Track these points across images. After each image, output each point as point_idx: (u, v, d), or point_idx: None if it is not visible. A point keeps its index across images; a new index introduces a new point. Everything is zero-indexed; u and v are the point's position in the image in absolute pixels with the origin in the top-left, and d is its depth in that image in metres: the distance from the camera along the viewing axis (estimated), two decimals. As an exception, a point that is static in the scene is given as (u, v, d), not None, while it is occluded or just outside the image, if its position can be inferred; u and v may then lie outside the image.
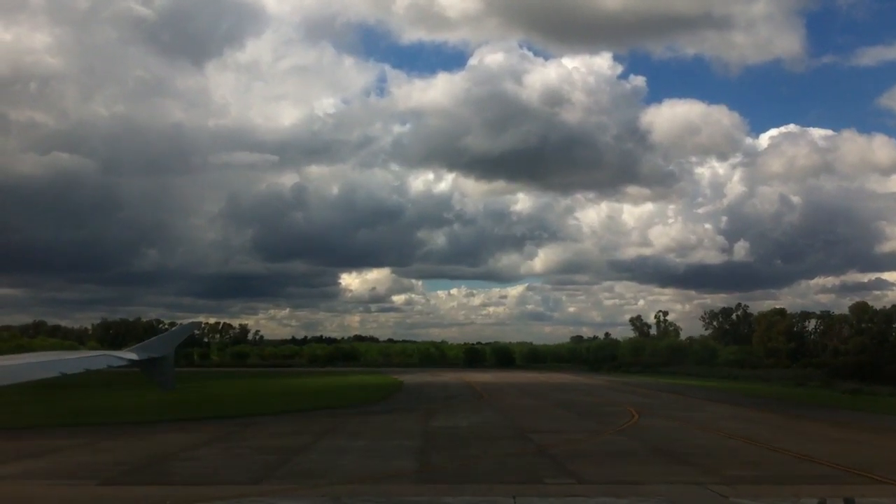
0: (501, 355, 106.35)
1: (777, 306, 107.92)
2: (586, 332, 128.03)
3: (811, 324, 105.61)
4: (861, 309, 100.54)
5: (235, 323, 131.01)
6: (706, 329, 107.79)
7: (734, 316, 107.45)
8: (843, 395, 42.98)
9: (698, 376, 72.91)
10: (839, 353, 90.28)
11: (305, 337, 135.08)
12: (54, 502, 12.78)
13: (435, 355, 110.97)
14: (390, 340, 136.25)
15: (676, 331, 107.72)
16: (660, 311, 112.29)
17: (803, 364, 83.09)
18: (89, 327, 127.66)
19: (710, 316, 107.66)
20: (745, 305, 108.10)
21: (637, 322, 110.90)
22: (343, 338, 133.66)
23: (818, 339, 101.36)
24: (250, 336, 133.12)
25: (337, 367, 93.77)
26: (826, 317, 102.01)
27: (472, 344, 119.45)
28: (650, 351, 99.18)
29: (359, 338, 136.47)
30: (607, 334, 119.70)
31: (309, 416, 27.78)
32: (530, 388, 47.56)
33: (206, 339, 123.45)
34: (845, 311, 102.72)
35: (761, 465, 16.41)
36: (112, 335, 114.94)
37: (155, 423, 24.52)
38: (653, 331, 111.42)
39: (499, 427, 24.07)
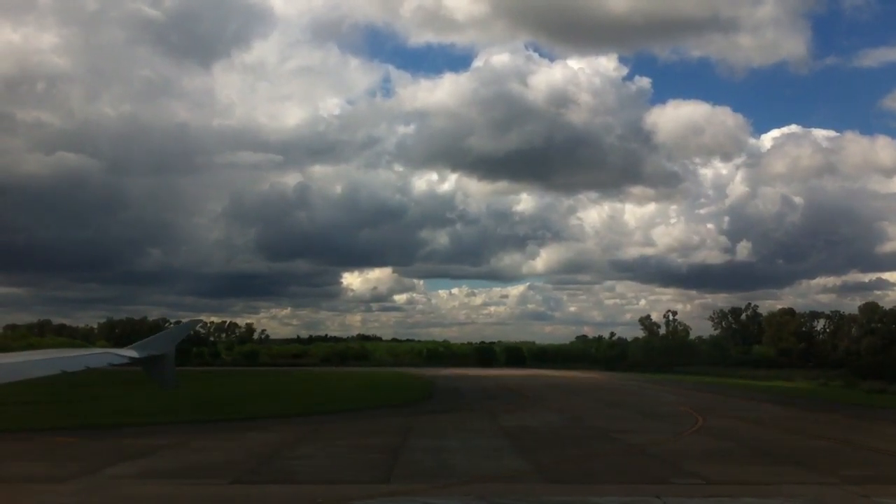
0: (512, 354, 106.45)
1: (778, 306, 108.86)
2: (587, 332, 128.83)
3: (819, 324, 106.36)
4: (870, 309, 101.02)
5: (238, 322, 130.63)
6: (715, 329, 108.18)
7: (743, 316, 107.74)
8: (869, 394, 43.23)
9: (716, 375, 73.27)
10: (850, 353, 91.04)
11: (310, 336, 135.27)
12: (206, 501, 12.73)
13: (444, 354, 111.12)
14: (395, 340, 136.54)
15: (686, 330, 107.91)
16: (668, 310, 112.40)
17: (818, 364, 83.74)
18: (94, 326, 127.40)
19: (720, 316, 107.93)
20: (754, 305, 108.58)
21: (646, 321, 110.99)
22: (350, 336, 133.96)
23: (828, 339, 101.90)
24: (256, 335, 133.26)
25: (349, 365, 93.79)
26: (836, 317, 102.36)
27: (483, 343, 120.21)
28: (660, 350, 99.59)
29: (364, 337, 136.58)
30: (612, 334, 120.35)
31: (370, 414, 27.66)
32: (565, 387, 47.60)
33: (212, 339, 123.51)
34: (846, 310, 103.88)
35: (873, 465, 16.47)
36: (118, 334, 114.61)
37: (224, 422, 24.49)
38: (661, 330, 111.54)
39: (573, 427, 24.11)
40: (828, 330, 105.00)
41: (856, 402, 37.02)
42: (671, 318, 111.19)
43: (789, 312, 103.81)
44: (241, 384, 47.83)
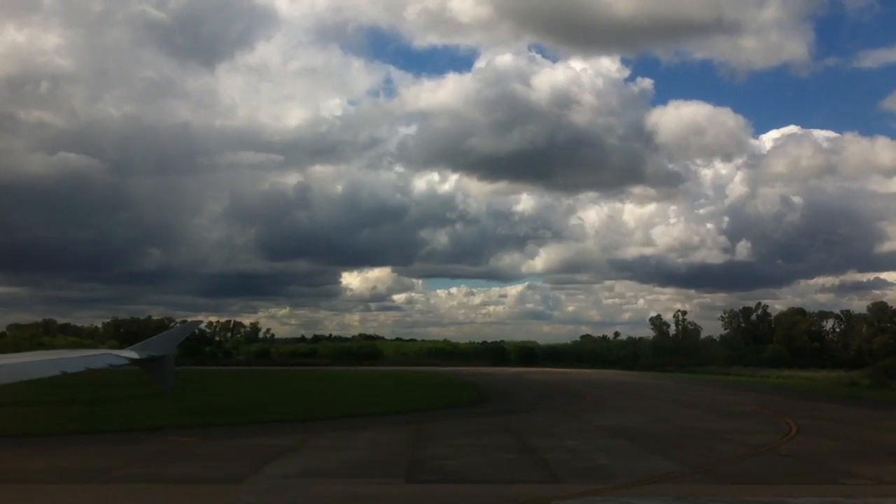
0: (525, 353, 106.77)
1: (776, 305, 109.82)
2: (585, 331, 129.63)
3: (828, 323, 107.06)
4: (880, 308, 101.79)
5: (237, 321, 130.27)
6: (725, 328, 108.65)
7: (754, 316, 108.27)
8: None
9: (737, 374, 73.67)
10: (863, 352, 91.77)
11: (315, 336, 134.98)
12: (403, 500, 12.62)
13: (453, 353, 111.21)
14: (399, 339, 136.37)
15: (697, 330, 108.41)
16: (678, 310, 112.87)
17: (834, 364, 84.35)
18: (99, 325, 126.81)
19: (731, 316, 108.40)
20: (765, 305, 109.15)
21: (657, 321, 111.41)
22: (353, 336, 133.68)
23: (838, 338, 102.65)
24: (261, 335, 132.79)
25: (363, 365, 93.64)
26: (846, 316, 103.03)
27: (485, 342, 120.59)
28: (671, 349, 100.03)
29: (367, 336, 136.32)
30: (617, 333, 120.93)
31: (447, 415, 27.32)
32: (609, 385, 47.62)
33: (217, 338, 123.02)
34: (845, 309, 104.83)
35: None
36: (123, 333, 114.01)
37: (319, 422, 24.34)
38: (671, 330, 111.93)
39: (671, 427, 24.11)
40: (837, 329, 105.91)
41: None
42: (681, 317, 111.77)
43: (800, 312, 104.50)
44: (280, 384, 47.48)
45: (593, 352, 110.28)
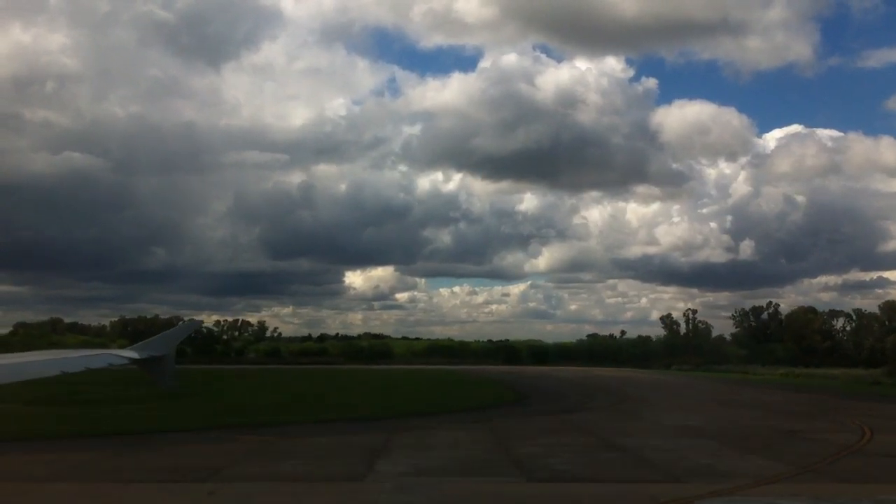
0: (536, 352, 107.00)
1: (780, 304, 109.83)
2: (587, 330, 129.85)
3: (839, 322, 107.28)
4: (892, 308, 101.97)
5: (245, 320, 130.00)
6: (736, 327, 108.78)
7: (765, 314, 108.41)
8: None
9: (754, 374, 73.68)
10: (875, 351, 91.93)
11: (321, 334, 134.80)
12: (541, 500, 12.47)
13: (464, 352, 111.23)
14: (405, 338, 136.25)
15: (708, 329, 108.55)
16: (689, 309, 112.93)
17: (849, 362, 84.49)
18: (107, 324, 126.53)
19: (742, 315, 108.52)
20: (776, 304, 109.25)
21: (667, 320, 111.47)
22: (358, 335, 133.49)
23: (849, 337, 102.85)
24: (268, 333, 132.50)
25: (378, 363, 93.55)
26: (858, 315, 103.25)
27: (490, 341, 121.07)
28: (682, 348, 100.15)
29: (373, 335, 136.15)
30: (623, 332, 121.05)
31: (502, 413, 27.10)
32: (644, 385, 47.45)
33: (224, 337, 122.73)
34: (847, 308, 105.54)
35: None
36: (130, 332, 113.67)
37: (376, 420, 24.22)
38: (681, 329, 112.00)
39: (742, 425, 24.01)
40: (847, 328, 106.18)
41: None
42: (691, 316, 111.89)
43: (811, 311, 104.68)
44: (311, 383, 47.02)
45: (603, 350, 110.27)
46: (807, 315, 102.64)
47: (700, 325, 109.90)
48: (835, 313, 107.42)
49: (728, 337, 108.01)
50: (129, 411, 25.92)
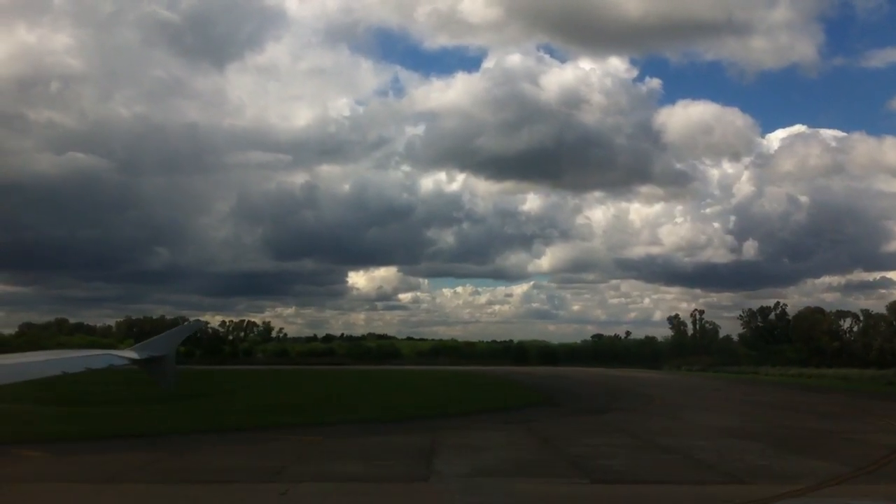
0: (545, 352, 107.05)
1: (786, 303, 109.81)
2: (590, 330, 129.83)
3: (846, 322, 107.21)
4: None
5: (250, 320, 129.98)
6: (744, 328, 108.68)
7: (772, 315, 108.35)
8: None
9: (766, 374, 73.67)
10: (884, 352, 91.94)
11: (327, 335, 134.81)
12: (613, 500, 12.41)
13: (472, 352, 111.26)
14: (409, 338, 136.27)
15: (715, 329, 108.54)
16: (696, 309, 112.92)
17: (860, 363, 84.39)
18: (112, 325, 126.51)
19: (750, 315, 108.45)
20: (783, 304, 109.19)
21: (675, 321, 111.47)
22: (362, 335, 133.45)
23: (857, 337, 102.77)
24: (273, 334, 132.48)
25: (385, 363, 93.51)
26: (865, 315, 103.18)
27: (494, 341, 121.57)
28: (691, 348, 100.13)
29: (378, 336, 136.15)
30: (628, 333, 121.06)
31: (532, 414, 26.63)
32: (665, 385, 47.35)
33: (230, 337, 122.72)
34: (851, 308, 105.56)
35: None
36: (136, 333, 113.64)
37: (411, 421, 24.14)
38: (688, 329, 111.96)
39: (776, 427, 23.98)
40: (854, 329, 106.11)
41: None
42: (698, 316, 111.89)
43: (819, 311, 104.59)
44: (331, 384, 46.79)
45: (610, 351, 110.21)
46: (815, 315, 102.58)
47: (707, 325, 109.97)
48: (842, 314, 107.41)
49: (735, 337, 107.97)
50: (159, 412, 25.69)
